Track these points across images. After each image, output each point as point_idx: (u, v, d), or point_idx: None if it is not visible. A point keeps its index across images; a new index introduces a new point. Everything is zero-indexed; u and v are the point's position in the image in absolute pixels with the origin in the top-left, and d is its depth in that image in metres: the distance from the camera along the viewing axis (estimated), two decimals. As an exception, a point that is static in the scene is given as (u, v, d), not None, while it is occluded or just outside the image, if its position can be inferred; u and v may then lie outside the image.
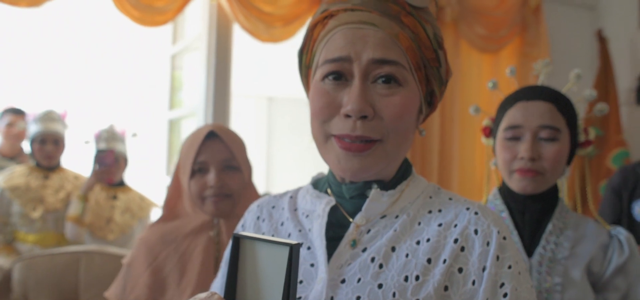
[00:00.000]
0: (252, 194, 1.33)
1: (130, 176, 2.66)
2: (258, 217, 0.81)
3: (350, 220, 0.72)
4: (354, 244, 0.70)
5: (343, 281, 0.67)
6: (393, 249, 0.68)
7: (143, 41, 3.94)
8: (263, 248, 0.54)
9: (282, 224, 0.78)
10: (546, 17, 2.71)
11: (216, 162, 1.26)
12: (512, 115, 1.15)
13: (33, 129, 2.38)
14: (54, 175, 2.42)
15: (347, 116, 0.67)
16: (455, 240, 0.67)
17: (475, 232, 0.68)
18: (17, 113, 2.74)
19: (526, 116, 1.12)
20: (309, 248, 0.72)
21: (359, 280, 0.66)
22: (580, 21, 2.93)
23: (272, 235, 0.77)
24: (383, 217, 0.71)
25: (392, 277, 0.66)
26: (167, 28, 2.67)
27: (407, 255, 0.67)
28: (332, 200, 0.73)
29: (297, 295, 0.68)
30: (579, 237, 1.14)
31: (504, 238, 0.68)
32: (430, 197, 0.74)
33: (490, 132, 1.27)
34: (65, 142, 2.45)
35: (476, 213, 0.69)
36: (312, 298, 0.67)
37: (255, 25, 2.27)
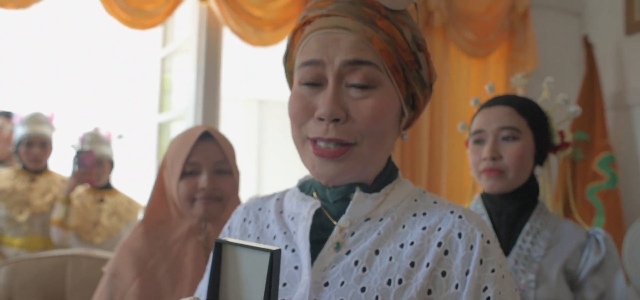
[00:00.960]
0: (237, 200, 1.31)
1: (119, 179, 2.64)
2: (244, 219, 0.81)
3: (335, 223, 0.72)
4: (337, 246, 0.70)
5: (326, 284, 0.67)
6: (377, 252, 0.68)
7: (133, 44, 3.92)
8: (244, 254, 0.55)
9: (268, 226, 0.78)
10: (533, 23, 2.75)
11: (209, 164, 1.22)
12: (476, 122, 1.26)
13: (20, 131, 2.36)
14: (40, 178, 2.40)
15: (320, 119, 0.68)
16: (439, 244, 0.68)
17: (459, 235, 0.68)
18: (5, 116, 2.71)
19: (487, 121, 1.23)
20: (293, 251, 0.72)
21: (342, 283, 0.66)
22: (567, 27, 2.97)
23: (258, 238, 0.78)
24: (367, 219, 0.72)
25: (376, 280, 0.66)
26: (157, 31, 2.66)
27: (390, 259, 0.67)
28: (317, 203, 0.74)
29: (281, 298, 0.68)
30: (556, 238, 1.18)
31: (488, 242, 0.68)
32: (415, 200, 0.74)
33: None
34: (52, 145, 2.43)
35: (460, 216, 0.70)
36: None
37: (244, 29, 2.27)
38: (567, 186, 2.70)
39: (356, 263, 0.68)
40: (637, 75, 2.70)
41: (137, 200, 2.59)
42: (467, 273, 0.66)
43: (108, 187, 2.55)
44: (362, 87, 0.67)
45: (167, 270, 1.19)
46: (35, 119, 2.37)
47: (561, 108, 1.30)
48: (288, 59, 0.77)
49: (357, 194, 0.71)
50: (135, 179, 3.65)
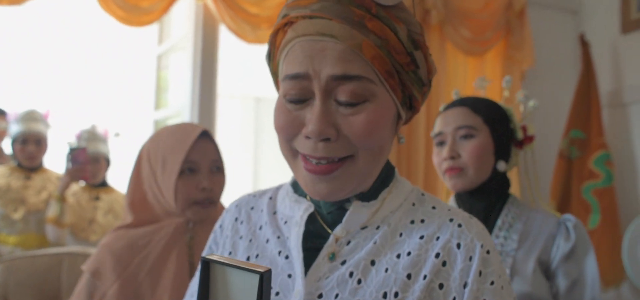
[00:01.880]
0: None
1: (114, 177, 2.63)
2: (236, 219, 0.78)
3: (329, 231, 0.69)
4: (332, 257, 0.67)
5: (320, 296, 0.65)
6: (373, 262, 0.66)
7: (129, 41, 3.90)
8: (233, 274, 0.52)
9: (260, 228, 0.75)
10: (530, 21, 2.75)
11: (207, 163, 1.20)
12: (437, 125, 1.32)
13: (14, 129, 2.35)
14: (35, 176, 2.38)
15: (309, 138, 0.62)
16: (437, 255, 0.65)
17: (458, 246, 0.65)
18: (-1, 113, 2.70)
19: (445, 122, 1.28)
20: (286, 257, 0.69)
21: (336, 295, 0.64)
22: (564, 25, 2.98)
23: (250, 240, 0.75)
24: (363, 228, 0.68)
25: (371, 293, 0.63)
26: (153, 28, 2.65)
27: (386, 270, 0.65)
28: (310, 207, 0.71)
29: None
30: (528, 230, 1.20)
31: (488, 252, 0.66)
32: (413, 204, 0.71)
33: None
34: (47, 143, 2.42)
35: (459, 225, 0.67)
36: None
37: (241, 26, 2.27)
38: (563, 184, 2.71)
39: (351, 274, 0.65)
40: (633, 74, 2.70)
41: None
42: (465, 285, 0.63)
43: (104, 184, 2.54)
44: (352, 104, 0.61)
45: (147, 271, 1.15)
46: (30, 117, 2.36)
47: (522, 104, 1.36)
48: (271, 59, 0.71)
49: (354, 204, 0.68)
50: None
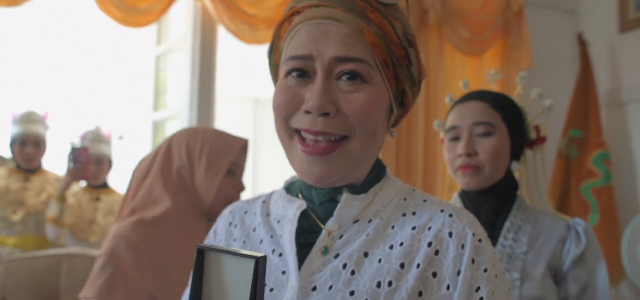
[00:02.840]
0: None
1: (113, 178, 2.63)
2: (230, 223, 0.79)
3: (322, 226, 0.70)
4: (325, 250, 0.68)
5: (314, 289, 0.65)
6: (366, 254, 0.66)
7: (127, 42, 3.90)
8: (228, 261, 0.52)
9: (254, 230, 0.76)
10: (528, 21, 2.75)
11: (243, 168, 1.34)
12: (451, 118, 1.24)
13: (13, 130, 2.34)
14: (34, 178, 2.38)
15: (308, 112, 0.65)
16: (429, 244, 0.66)
17: (450, 234, 0.66)
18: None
19: (461, 116, 1.21)
20: (280, 255, 0.70)
21: (330, 287, 0.65)
22: (561, 25, 2.98)
23: (244, 242, 0.76)
24: (356, 221, 0.69)
25: (365, 283, 0.64)
26: (151, 29, 2.65)
27: (379, 261, 0.65)
28: (302, 205, 0.71)
29: None
30: (537, 232, 1.17)
31: (480, 240, 0.66)
32: (405, 199, 0.72)
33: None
34: (46, 144, 2.42)
35: (451, 215, 0.68)
36: None
37: (239, 27, 2.27)
38: (562, 183, 2.71)
39: (345, 266, 0.66)
40: (631, 73, 2.71)
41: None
42: (458, 273, 0.64)
43: (104, 186, 2.54)
44: (352, 80, 0.65)
45: (167, 262, 1.19)
46: (28, 118, 2.36)
47: (536, 102, 1.30)
48: (273, 51, 0.74)
49: (345, 196, 0.69)
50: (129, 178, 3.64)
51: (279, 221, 0.74)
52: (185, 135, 1.31)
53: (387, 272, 0.64)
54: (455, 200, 1.28)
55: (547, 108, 1.30)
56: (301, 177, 0.69)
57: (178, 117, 2.51)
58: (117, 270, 1.16)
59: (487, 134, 1.18)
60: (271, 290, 0.68)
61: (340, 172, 0.67)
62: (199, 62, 2.33)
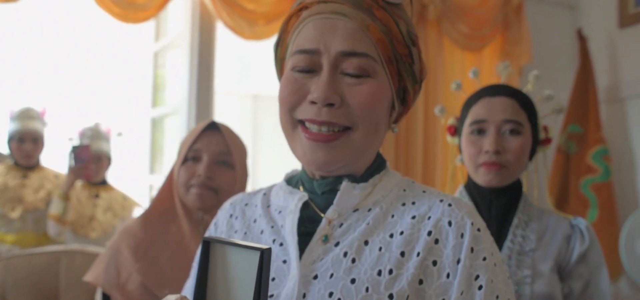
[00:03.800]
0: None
1: (112, 175, 2.63)
2: (231, 215, 0.80)
3: (322, 215, 0.71)
4: (325, 239, 0.69)
5: (315, 277, 0.66)
6: (366, 242, 0.67)
7: (125, 38, 3.89)
8: (233, 252, 0.53)
9: (255, 221, 0.77)
10: (528, 16, 2.75)
11: (210, 153, 1.24)
12: (477, 111, 1.19)
13: (11, 127, 2.33)
14: (33, 174, 2.37)
15: (313, 103, 0.67)
16: (429, 233, 0.67)
17: (449, 223, 0.67)
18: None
19: (490, 111, 1.17)
20: (281, 244, 0.71)
21: (331, 275, 0.66)
22: (561, 20, 2.98)
23: (245, 233, 0.77)
24: (356, 210, 0.71)
25: (365, 271, 0.65)
26: (150, 25, 2.64)
27: (380, 249, 0.67)
28: (304, 196, 0.73)
29: (270, 293, 0.67)
30: (543, 229, 1.18)
31: (479, 229, 0.67)
32: (404, 190, 0.73)
33: (455, 130, 1.31)
34: (44, 141, 2.41)
35: (450, 205, 0.69)
36: (285, 295, 0.66)
37: (238, 22, 2.26)
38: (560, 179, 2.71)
39: (345, 254, 0.67)
40: (630, 68, 2.71)
41: (131, 196, 2.58)
42: (458, 262, 0.65)
43: (103, 183, 2.53)
44: (357, 75, 0.67)
45: (168, 257, 1.21)
46: (26, 115, 2.35)
47: (546, 102, 1.28)
48: (280, 45, 0.76)
49: (345, 184, 0.70)
50: (128, 175, 3.63)
51: (280, 212, 0.75)
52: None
53: (387, 261, 0.65)
54: (460, 192, 1.26)
55: (557, 110, 1.28)
56: (304, 165, 0.71)
57: (177, 113, 2.50)
58: (117, 260, 1.22)
59: (515, 133, 1.15)
60: (273, 279, 0.68)
61: (343, 160, 0.68)
62: (197, 58, 2.32)
